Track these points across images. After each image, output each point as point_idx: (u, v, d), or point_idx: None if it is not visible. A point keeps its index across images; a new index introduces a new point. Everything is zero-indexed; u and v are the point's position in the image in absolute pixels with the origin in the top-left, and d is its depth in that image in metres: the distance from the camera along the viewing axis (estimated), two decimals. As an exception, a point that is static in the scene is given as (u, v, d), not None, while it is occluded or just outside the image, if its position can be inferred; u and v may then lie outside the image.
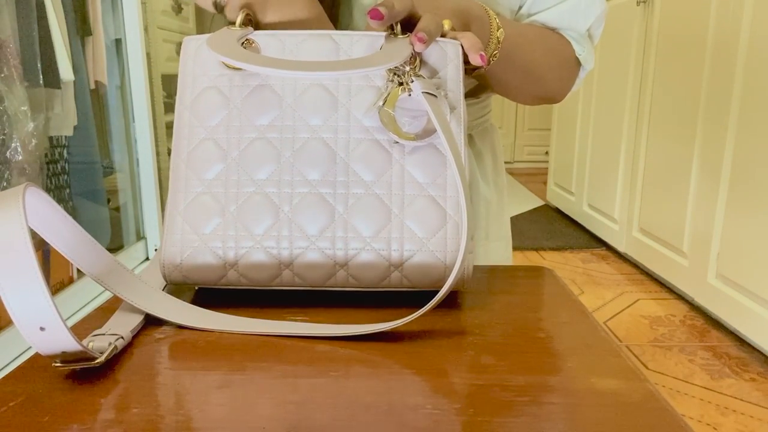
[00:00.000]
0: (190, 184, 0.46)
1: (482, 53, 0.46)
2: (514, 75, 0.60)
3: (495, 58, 0.54)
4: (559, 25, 0.63)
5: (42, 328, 0.33)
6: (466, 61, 0.47)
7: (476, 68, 0.49)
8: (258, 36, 0.47)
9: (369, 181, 0.45)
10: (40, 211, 0.39)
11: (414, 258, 0.45)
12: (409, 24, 0.47)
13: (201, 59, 0.47)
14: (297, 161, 0.45)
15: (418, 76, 0.45)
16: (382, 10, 0.44)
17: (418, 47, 0.44)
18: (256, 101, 0.46)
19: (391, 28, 0.46)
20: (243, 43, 0.46)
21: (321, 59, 0.46)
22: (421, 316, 0.44)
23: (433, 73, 0.46)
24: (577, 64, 0.64)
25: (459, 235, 0.45)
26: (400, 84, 0.45)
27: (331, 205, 0.45)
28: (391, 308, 0.46)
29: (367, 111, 0.46)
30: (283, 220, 0.45)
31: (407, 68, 0.45)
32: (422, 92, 0.44)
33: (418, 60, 0.46)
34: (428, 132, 0.45)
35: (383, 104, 0.45)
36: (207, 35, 0.47)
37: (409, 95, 0.45)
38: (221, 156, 0.46)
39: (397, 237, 0.45)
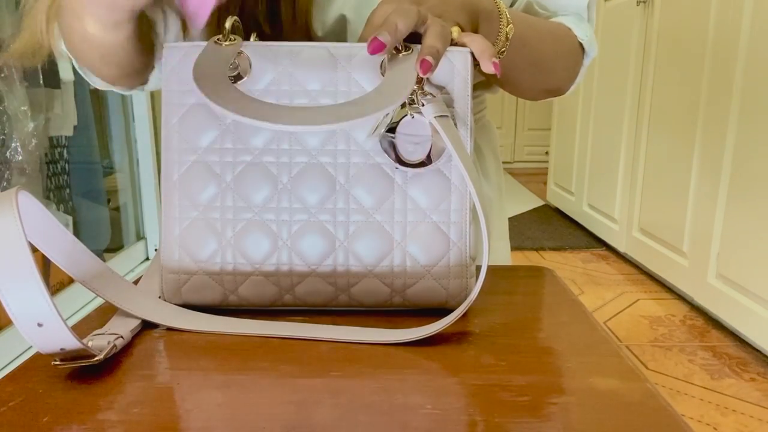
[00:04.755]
0: (183, 209, 0.44)
1: (495, 60, 0.43)
2: (524, 70, 0.58)
3: (502, 56, 0.53)
4: (558, 5, 0.62)
5: (40, 324, 0.33)
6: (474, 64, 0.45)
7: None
8: (249, 48, 0.43)
9: (369, 207, 0.44)
10: (32, 219, 0.39)
11: (416, 285, 0.44)
12: (415, 33, 0.43)
13: (186, 73, 0.43)
14: (295, 188, 0.43)
15: (426, 94, 0.42)
16: (383, 38, 0.40)
17: (424, 74, 0.40)
18: None
19: None
20: (234, 59, 0.43)
21: (317, 72, 0.43)
22: (421, 316, 0.44)
23: (440, 89, 0.44)
24: (581, 51, 0.63)
25: (464, 260, 0.44)
26: (403, 105, 0.42)
27: (331, 233, 0.44)
28: (392, 311, 0.46)
29: (368, 134, 0.43)
30: (282, 247, 0.44)
31: (414, 87, 0.42)
32: (435, 117, 0.41)
33: (424, 77, 0.42)
34: (433, 158, 0.43)
35: (385, 130, 0.43)
36: (190, 44, 0.44)
37: (413, 117, 0.42)
38: (215, 180, 0.44)
39: (399, 264, 0.44)
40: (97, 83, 0.60)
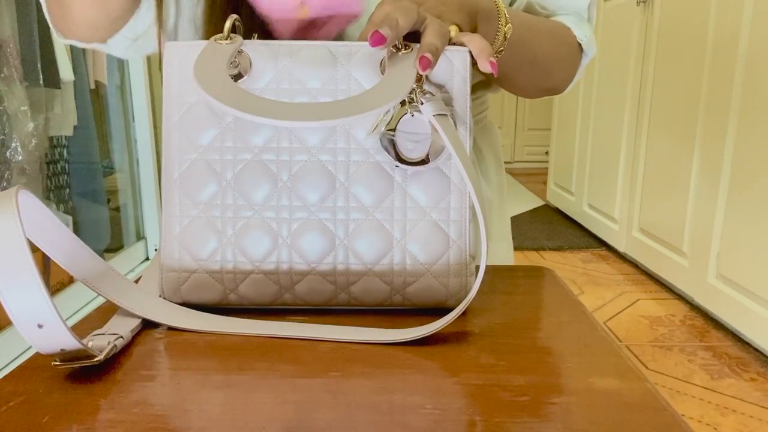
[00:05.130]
0: (184, 207, 0.44)
1: (492, 60, 0.43)
2: (522, 69, 0.59)
3: (500, 55, 0.53)
4: (558, 5, 0.62)
5: (40, 326, 0.33)
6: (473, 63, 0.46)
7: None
8: (249, 46, 0.44)
9: (369, 205, 0.44)
10: (33, 217, 0.39)
11: (416, 283, 0.44)
12: (414, 33, 0.44)
13: (187, 71, 0.44)
14: (295, 186, 0.44)
15: (425, 93, 0.42)
16: (384, 32, 0.40)
17: (423, 71, 0.41)
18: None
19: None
20: (234, 58, 0.43)
21: (317, 71, 0.43)
22: (420, 316, 0.44)
23: (439, 87, 0.44)
24: (580, 51, 0.63)
25: (463, 259, 0.44)
26: (403, 104, 0.42)
27: (331, 231, 0.44)
28: (392, 310, 0.46)
29: (368, 132, 0.43)
30: (282, 245, 0.44)
31: (414, 85, 0.42)
32: (434, 115, 0.41)
33: (423, 76, 0.43)
34: (432, 156, 0.43)
35: (384, 128, 0.43)
36: (191, 43, 0.44)
37: (412, 116, 0.42)
38: (215, 178, 0.44)
39: (399, 262, 0.44)
40: (64, 37, 0.61)
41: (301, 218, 0.44)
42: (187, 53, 0.44)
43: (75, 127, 1.84)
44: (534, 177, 4.19)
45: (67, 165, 1.89)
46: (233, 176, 0.44)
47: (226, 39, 0.43)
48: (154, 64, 2.41)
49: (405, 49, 0.43)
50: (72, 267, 0.42)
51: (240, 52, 0.43)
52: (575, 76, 0.65)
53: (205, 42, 0.44)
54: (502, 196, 0.75)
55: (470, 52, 0.44)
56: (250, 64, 0.44)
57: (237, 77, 0.43)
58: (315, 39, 0.50)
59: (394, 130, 0.43)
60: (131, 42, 0.61)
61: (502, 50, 0.52)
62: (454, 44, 0.45)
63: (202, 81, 0.40)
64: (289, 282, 0.44)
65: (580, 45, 0.62)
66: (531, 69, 0.59)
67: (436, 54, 0.42)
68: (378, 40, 0.40)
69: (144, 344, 0.41)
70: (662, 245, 2.17)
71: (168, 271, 0.45)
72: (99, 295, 0.43)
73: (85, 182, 2.02)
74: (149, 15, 0.59)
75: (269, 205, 0.44)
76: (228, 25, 0.43)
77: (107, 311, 0.44)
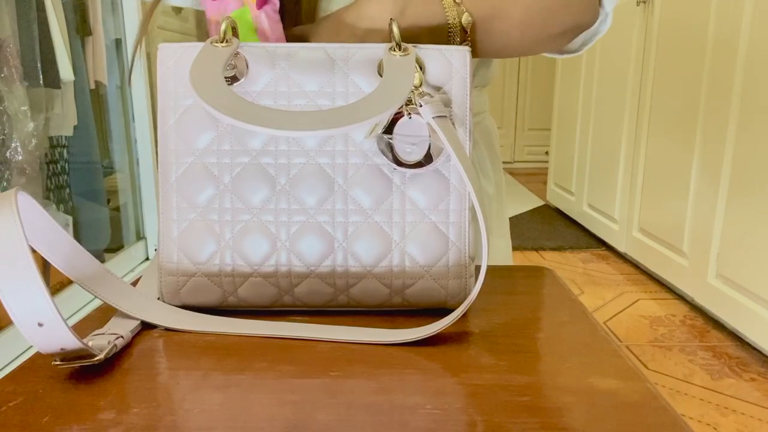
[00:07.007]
0: (181, 211, 0.44)
1: None
2: (521, 24, 0.54)
3: (470, 21, 0.50)
4: None
5: (40, 324, 0.33)
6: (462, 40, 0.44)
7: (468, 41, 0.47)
8: (245, 48, 0.43)
9: (368, 208, 0.43)
10: (30, 220, 0.39)
11: (415, 285, 0.44)
12: (414, 35, 0.44)
13: (182, 74, 0.43)
14: (293, 189, 0.43)
15: (424, 95, 0.42)
16: None
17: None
18: None
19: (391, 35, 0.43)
20: (231, 61, 0.43)
21: (314, 73, 0.43)
22: (421, 317, 0.44)
23: (437, 88, 0.44)
24: None
25: (463, 260, 0.44)
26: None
27: (329, 234, 0.44)
28: (392, 311, 0.46)
29: (365, 135, 0.43)
30: (281, 248, 0.44)
31: (412, 88, 0.41)
32: (433, 117, 0.41)
33: (421, 78, 0.42)
34: (430, 157, 0.43)
35: (382, 131, 0.43)
36: (185, 45, 0.44)
37: (410, 118, 0.42)
38: (213, 181, 0.44)
39: (398, 264, 0.44)
40: None
41: (300, 221, 0.44)
42: (183, 55, 0.43)
43: (75, 127, 1.84)
44: (534, 177, 4.19)
45: (67, 165, 1.89)
46: (231, 179, 0.43)
47: (222, 42, 0.43)
48: (154, 64, 2.41)
49: (402, 52, 0.42)
50: (69, 270, 0.42)
51: (236, 54, 0.43)
52: (600, 3, 0.59)
53: (201, 44, 0.43)
54: (500, 194, 0.75)
55: (470, 52, 0.44)
56: (247, 66, 0.43)
57: (233, 80, 0.43)
58: None
59: (391, 132, 0.43)
60: None
61: (466, 16, 0.50)
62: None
63: (199, 88, 0.39)
64: (288, 285, 0.44)
65: None
66: (536, 20, 0.55)
67: None
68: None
69: (144, 344, 0.41)
70: (662, 245, 2.17)
71: (167, 274, 0.45)
72: (96, 297, 0.43)
73: (85, 182, 2.02)
74: None
75: (267, 208, 0.44)
76: (224, 27, 0.43)
77: (107, 311, 0.44)
